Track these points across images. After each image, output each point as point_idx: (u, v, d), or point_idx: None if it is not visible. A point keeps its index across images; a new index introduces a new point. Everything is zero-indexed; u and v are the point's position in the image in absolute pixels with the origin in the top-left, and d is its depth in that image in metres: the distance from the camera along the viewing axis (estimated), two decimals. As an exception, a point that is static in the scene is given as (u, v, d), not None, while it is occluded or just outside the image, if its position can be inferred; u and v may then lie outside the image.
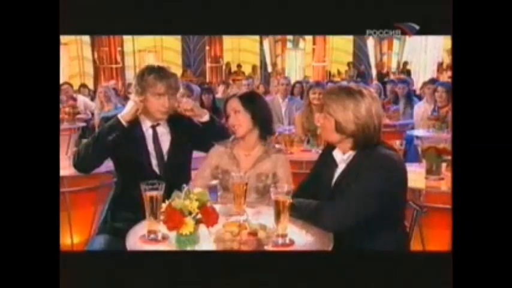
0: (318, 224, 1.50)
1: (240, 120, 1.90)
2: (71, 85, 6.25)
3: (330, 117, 1.58)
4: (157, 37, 11.42)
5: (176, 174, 1.92)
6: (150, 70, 1.93)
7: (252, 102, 1.93)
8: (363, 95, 1.56)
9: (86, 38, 10.62)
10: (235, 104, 1.91)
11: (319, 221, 1.50)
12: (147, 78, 1.90)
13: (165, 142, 1.99)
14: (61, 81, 5.93)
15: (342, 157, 1.62)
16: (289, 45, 12.63)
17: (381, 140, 1.60)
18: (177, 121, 2.01)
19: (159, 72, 1.92)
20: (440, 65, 11.62)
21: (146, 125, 1.98)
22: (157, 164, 1.97)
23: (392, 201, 1.56)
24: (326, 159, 1.70)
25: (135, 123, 1.94)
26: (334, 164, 1.65)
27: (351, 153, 1.60)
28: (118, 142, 1.89)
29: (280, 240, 1.40)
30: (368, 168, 1.52)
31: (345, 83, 7.38)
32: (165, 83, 1.90)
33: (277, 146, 2.16)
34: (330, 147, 1.70)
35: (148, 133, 1.98)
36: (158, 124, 1.99)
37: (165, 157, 1.98)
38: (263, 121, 1.95)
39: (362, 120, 1.54)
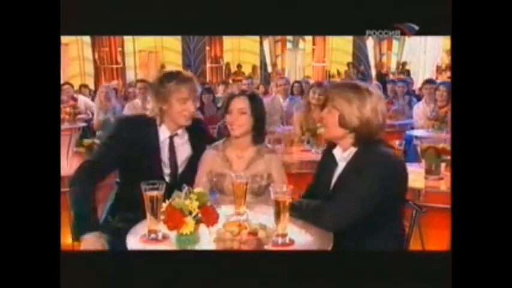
0: (318, 224, 1.51)
1: (242, 121, 1.88)
2: (71, 85, 6.25)
3: (334, 110, 1.59)
4: (158, 37, 11.41)
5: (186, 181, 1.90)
6: (169, 76, 1.90)
7: (257, 103, 1.91)
8: (369, 93, 1.58)
9: (87, 39, 10.60)
10: (243, 104, 1.88)
11: (319, 220, 1.51)
12: (169, 85, 1.87)
13: (183, 152, 1.97)
14: (62, 81, 5.93)
15: (342, 155, 1.63)
16: (289, 45, 12.61)
17: (382, 137, 1.61)
18: (194, 129, 1.99)
19: (179, 77, 1.89)
20: (439, 65, 11.62)
21: (165, 135, 1.94)
22: (170, 173, 1.94)
23: (393, 200, 1.57)
24: (327, 159, 1.70)
25: (154, 131, 1.92)
26: (334, 163, 1.65)
27: (351, 151, 1.60)
28: (135, 141, 1.87)
29: (280, 240, 1.41)
30: (369, 167, 1.52)
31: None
32: (188, 87, 1.88)
33: (269, 145, 2.14)
34: (330, 146, 1.70)
35: (165, 143, 1.95)
36: (176, 134, 1.96)
37: (180, 168, 1.95)
38: (261, 124, 1.93)
39: (366, 116, 1.55)
